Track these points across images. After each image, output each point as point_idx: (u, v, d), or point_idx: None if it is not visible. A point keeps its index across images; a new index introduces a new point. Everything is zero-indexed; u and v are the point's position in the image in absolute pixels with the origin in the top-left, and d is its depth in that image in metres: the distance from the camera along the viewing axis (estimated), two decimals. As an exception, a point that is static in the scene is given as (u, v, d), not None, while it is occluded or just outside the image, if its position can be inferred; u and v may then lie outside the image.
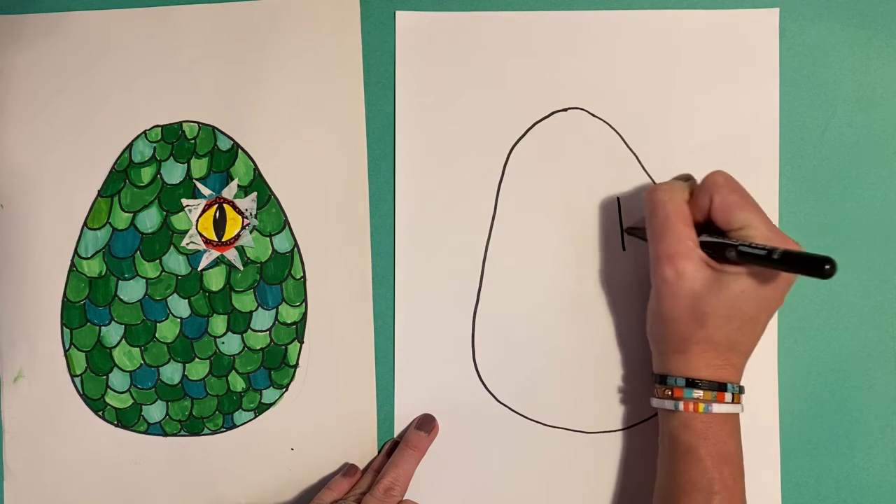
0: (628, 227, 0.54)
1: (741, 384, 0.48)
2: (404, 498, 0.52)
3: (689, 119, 0.54)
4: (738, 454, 0.47)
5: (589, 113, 0.55)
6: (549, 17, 0.55)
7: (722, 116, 0.54)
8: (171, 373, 0.56)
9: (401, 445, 0.53)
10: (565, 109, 0.55)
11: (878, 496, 0.54)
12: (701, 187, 0.47)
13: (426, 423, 0.54)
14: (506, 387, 0.55)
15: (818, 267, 0.40)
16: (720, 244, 0.46)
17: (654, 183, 0.54)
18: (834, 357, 0.54)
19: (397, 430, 0.55)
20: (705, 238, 0.47)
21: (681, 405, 0.47)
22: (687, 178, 0.50)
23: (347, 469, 0.54)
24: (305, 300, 0.56)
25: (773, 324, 0.54)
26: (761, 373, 0.54)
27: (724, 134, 0.54)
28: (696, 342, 0.47)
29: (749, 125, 0.54)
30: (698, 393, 0.46)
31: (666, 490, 0.48)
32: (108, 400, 0.56)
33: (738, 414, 0.48)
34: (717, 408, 0.46)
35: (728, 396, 0.47)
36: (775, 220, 0.54)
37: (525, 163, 0.55)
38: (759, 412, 0.54)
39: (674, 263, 0.46)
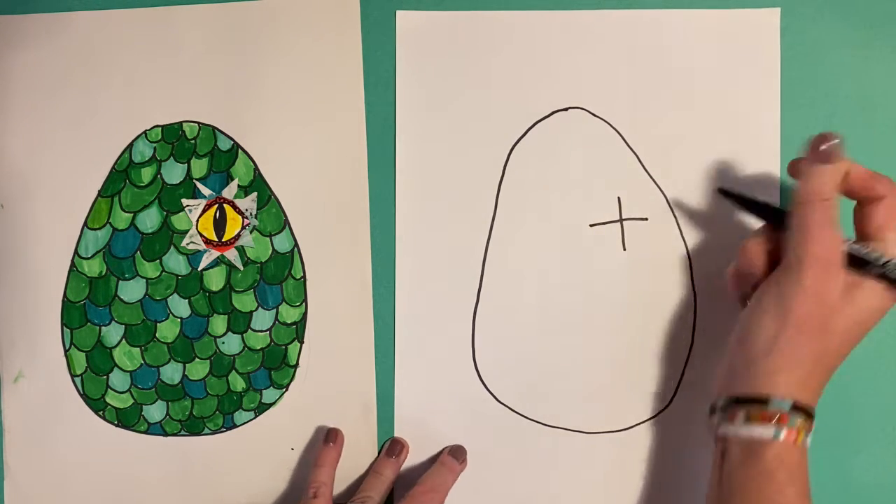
0: (722, 189, 0.50)
1: None
2: None
3: (690, 119, 0.54)
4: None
5: (589, 113, 0.55)
6: (549, 16, 0.55)
7: (722, 116, 0.54)
8: (172, 373, 0.56)
9: (437, 464, 0.53)
10: (565, 109, 0.55)
11: (878, 496, 0.54)
12: (864, 187, 0.44)
13: (459, 452, 0.54)
14: (506, 387, 0.55)
15: None
16: (860, 259, 0.43)
17: (655, 183, 0.54)
18: (834, 357, 0.54)
19: (397, 430, 0.55)
20: (852, 248, 0.43)
21: (783, 433, 0.40)
22: (836, 157, 0.44)
23: (327, 434, 0.54)
24: (305, 300, 0.56)
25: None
26: (761, 373, 0.54)
27: (724, 134, 0.54)
28: (813, 359, 0.42)
29: (749, 125, 0.54)
30: (798, 419, 0.40)
31: None
32: (108, 400, 0.56)
33: None
34: (807, 440, 0.41)
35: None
36: (775, 220, 0.54)
37: (525, 163, 0.55)
38: (759, 412, 0.54)
39: (822, 270, 0.42)
